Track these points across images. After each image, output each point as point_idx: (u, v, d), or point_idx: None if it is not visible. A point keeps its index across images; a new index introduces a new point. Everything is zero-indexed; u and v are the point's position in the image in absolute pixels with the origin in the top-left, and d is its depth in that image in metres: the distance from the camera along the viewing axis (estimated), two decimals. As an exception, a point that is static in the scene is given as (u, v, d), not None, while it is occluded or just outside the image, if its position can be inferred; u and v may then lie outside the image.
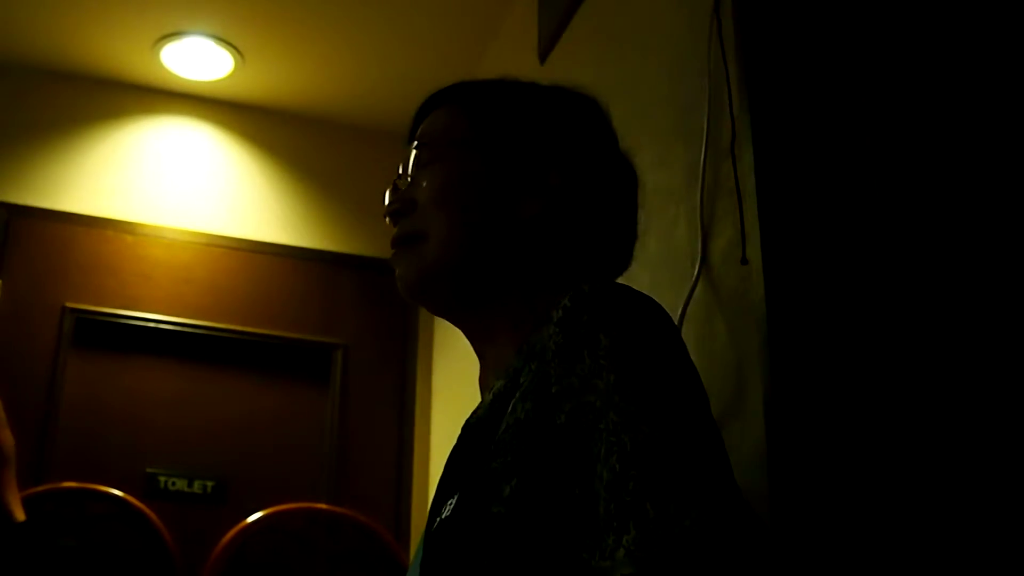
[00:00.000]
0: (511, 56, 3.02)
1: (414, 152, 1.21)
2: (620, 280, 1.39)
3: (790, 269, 1.38)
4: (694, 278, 1.54)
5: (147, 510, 2.94)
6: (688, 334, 1.53)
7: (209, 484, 3.26)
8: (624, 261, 1.26)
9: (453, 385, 3.34)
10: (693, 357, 1.52)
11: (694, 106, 1.66)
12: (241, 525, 2.99)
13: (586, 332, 0.94)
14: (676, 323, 1.52)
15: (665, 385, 0.91)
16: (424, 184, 1.18)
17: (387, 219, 1.22)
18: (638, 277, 1.77)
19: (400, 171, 1.25)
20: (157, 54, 3.45)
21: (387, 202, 1.23)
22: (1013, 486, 1.13)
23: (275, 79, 3.59)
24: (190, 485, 3.24)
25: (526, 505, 0.89)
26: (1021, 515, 1.12)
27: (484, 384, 1.18)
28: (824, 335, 1.35)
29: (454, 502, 0.96)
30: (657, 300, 1.66)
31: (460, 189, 1.16)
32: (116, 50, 3.45)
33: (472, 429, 1.06)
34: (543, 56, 2.52)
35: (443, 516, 0.97)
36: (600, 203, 1.20)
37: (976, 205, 1.25)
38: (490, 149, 1.18)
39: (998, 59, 1.25)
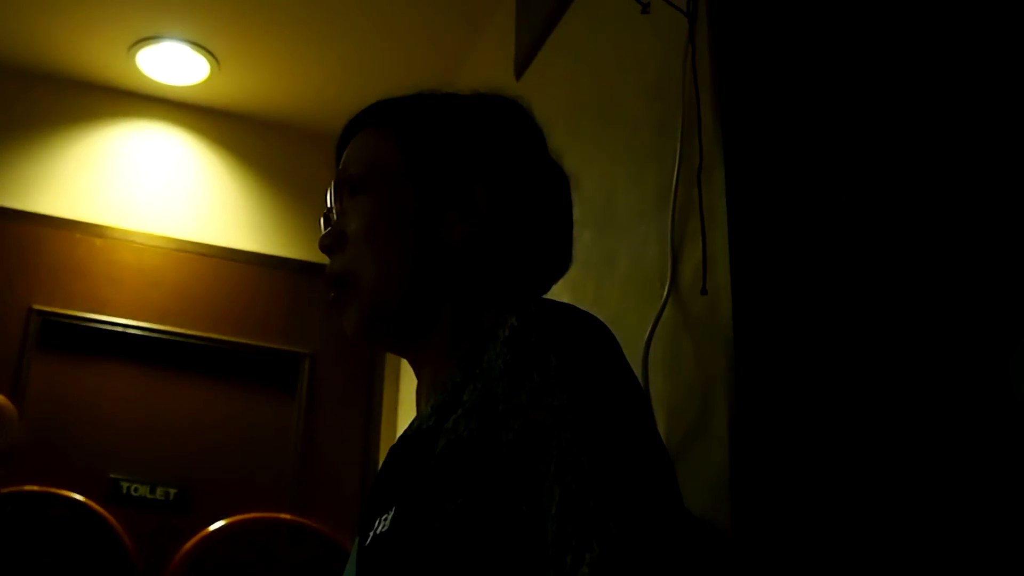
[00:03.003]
0: (487, 70, 3.02)
1: (341, 182, 1.19)
2: (592, 296, 1.39)
3: (758, 293, 1.39)
4: (663, 299, 1.55)
5: (108, 516, 2.91)
6: (656, 354, 1.53)
7: (172, 491, 3.24)
8: (562, 265, 1.23)
9: (420, 397, 3.32)
10: (660, 378, 1.54)
11: (667, 128, 1.67)
12: (203, 533, 2.97)
13: (535, 352, 0.94)
14: (644, 343, 1.53)
15: (617, 406, 0.91)
16: (353, 217, 1.16)
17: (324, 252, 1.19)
18: (608, 294, 1.79)
19: (328, 201, 1.22)
20: (133, 58, 3.43)
21: (321, 235, 1.20)
22: (978, 505, 1.15)
23: (250, 86, 3.59)
24: (152, 492, 3.22)
25: (471, 522, 0.90)
26: (987, 537, 1.13)
27: (421, 398, 1.17)
28: (790, 359, 1.36)
29: (391, 516, 0.96)
30: (626, 319, 1.67)
31: (388, 223, 1.14)
32: (92, 52, 3.43)
33: (409, 441, 1.06)
34: (519, 72, 2.53)
35: (379, 531, 0.97)
36: (530, 212, 1.18)
37: (943, 235, 1.26)
38: (417, 175, 1.16)
39: (969, 88, 1.27)
